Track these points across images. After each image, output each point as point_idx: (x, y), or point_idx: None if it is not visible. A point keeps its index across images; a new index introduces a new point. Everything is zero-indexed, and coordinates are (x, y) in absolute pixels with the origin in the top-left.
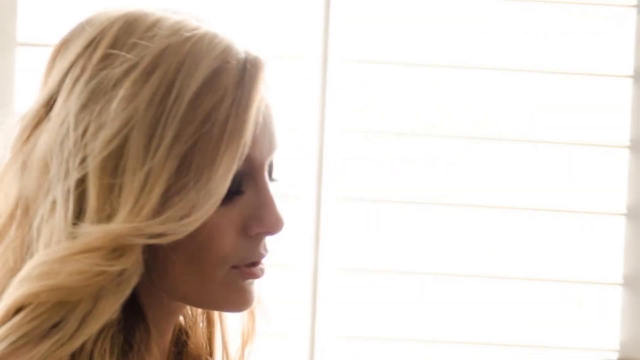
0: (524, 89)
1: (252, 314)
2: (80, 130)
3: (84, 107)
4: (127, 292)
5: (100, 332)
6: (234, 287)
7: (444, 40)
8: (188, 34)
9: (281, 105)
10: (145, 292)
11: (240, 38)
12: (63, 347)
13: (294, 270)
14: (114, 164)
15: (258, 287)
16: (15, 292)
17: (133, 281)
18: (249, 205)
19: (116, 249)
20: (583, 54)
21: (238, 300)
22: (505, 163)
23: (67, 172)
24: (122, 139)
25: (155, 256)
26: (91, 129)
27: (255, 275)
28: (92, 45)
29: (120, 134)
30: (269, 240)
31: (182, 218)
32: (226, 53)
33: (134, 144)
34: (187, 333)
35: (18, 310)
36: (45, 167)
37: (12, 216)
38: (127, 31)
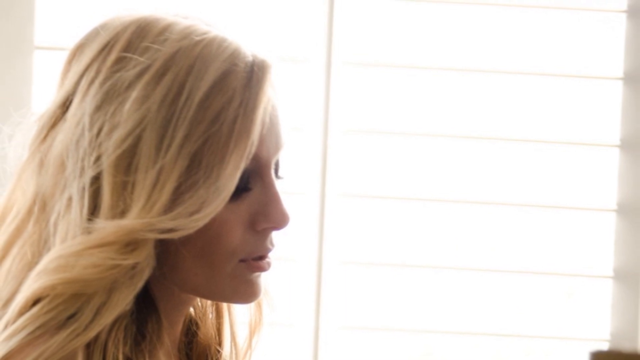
0: (521, 91)
1: (259, 306)
2: (95, 130)
3: (98, 107)
4: (139, 285)
5: (114, 322)
6: (242, 279)
7: (444, 44)
8: (198, 38)
9: (287, 106)
10: (157, 285)
11: (248, 42)
12: (78, 337)
13: (299, 263)
14: (127, 162)
15: (265, 279)
16: (32, 284)
17: (145, 274)
18: (257, 202)
19: (129, 244)
20: (576, 57)
21: (246, 292)
22: (502, 161)
23: (82, 170)
24: (135, 139)
25: (166, 250)
26: (105, 129)
27: (262, 269)
28: (106, 48)
29: (133, 134)
30: (275, 235)
31: (192, 214)
32: (234, 56)
33: (146, 143)
34: (197, 324)
35: (36, 302)
36: (62, 165)
37: (30, 212)
38: (139, 35)
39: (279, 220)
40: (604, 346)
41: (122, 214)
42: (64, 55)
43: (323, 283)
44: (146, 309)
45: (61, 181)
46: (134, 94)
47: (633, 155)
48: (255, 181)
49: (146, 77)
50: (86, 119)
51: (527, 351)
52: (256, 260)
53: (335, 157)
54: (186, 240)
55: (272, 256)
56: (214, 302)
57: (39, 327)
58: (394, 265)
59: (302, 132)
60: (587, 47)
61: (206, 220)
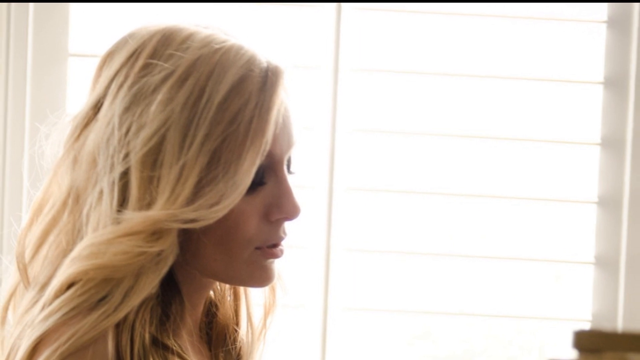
0: (512, 94)
1: (273, 289)
2: (123, 129)
3: (127, 109)
4: (164, 270)
5: (141, 304)
6: (257, 265)
7: (441, 52)
8: (217, 46)
9: (298, 107)
10: (180, 270)
11: (263, 49)
12: (109, 318)
13: (309, 250)
14: (153, 159)
15: (278, 265)
16: (67, 269)
17: (170, 260)
18: (270, 195)
19: (155, 233)
20: (561, 63)
21: (261, 277)
22: (495, 158)
23: (112, 166)
24: (160, 137)
25: (189, 239)
26: (133, 129)
27: (276, 255)
28: (134, 55)
29: (159, 133)
30: (287, 225)
31: (212, 206)
32: (251, 62)
33: (170, 141)
34: (216, 305)
35: (70, 285)
36: (94, 162)
37: (64, 204)
38: (164, 43)
39: (291, 211)
40: (586, 326)
41: (149, 205)
42: (95, 62)
43: (331, 268)
44: (170, 292)
45: (93, 176)
46: (159, 96)
47: (612, 152)
48: (270, 176)
49: (170, 82)
50: (116, 120)
51: (516, 330)
52: (270, 247)
53: (342, 154)
54: (207, 229)
55: (284, 244)
56: (232, 286)
57: (73, 309)
58: (395, 252)
59: (312, 131)
60: (571, 54)
61: (225, 211)
